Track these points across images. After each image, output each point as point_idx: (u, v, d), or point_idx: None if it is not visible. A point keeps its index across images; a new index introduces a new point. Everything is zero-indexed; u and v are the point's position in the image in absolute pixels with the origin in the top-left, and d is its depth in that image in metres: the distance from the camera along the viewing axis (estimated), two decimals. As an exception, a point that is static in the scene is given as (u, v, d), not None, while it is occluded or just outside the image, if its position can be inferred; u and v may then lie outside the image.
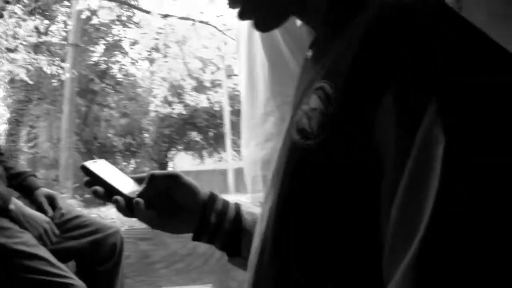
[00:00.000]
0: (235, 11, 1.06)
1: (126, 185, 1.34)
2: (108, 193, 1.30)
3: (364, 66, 0.79)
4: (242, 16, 1.06)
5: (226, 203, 1.40)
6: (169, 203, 1.38)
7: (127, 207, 1.29)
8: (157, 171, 1.39)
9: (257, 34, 2.28)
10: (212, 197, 1.39)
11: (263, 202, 1.05)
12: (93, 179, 1.31)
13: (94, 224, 2.98)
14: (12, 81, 18.89)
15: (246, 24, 2.33)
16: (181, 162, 36.23)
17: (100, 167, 1.35)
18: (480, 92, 0.69)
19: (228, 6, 1.06)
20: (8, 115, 20.36)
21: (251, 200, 2.33)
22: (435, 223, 0.64)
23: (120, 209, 1.29)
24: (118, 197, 1.29)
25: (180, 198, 1.38)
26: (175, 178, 1.37)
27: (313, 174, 0.83)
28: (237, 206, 1.41)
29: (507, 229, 0.62)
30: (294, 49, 2.18)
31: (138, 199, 1.30)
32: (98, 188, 1.30)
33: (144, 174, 1.40)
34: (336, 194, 0.81)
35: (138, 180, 1.39)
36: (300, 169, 0.86)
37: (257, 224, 1.07)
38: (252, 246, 1.07)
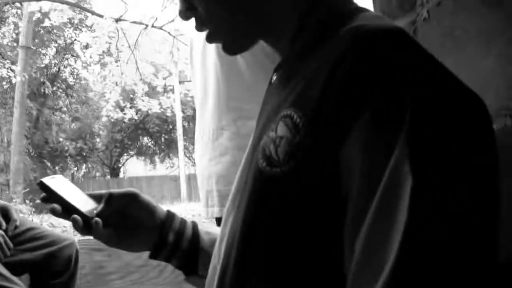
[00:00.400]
0: (203, 33, 1.05)
1: (84, 203, 1.32)
2: (65, 211, 1.28)
3: (332, 98, 0.78)
4: (210, 38, 1.05)
5: (183, 222, 1.37)
6: (127, 221, 1.34)
7: (85, 225, 1.26)
8: (115, 190, 1.38)
9: (212, 46, 2.27)
10: (170, 216, 1.37)
11: (222, 222, 1.06)
12: (50, 196, 1.29)
13: (49, 236, 2.93)
14: (-39, 83, 18.62)
15: (200, 34, 2.33)
16: (133, 168, 35.99)
17: (58, 184, 1.33)
18: (445, 128, 0.71)
19: (195, 28, 1.06)
20: (-43, 118, 20.05)
21: (205, 213, 2.34)
22: (402, 261, 0.65)
23: (77, 228, 1.26)
24: (76, 216, 1.25)
25: (138, 217, 1.34)
26: (133, 197, 1.35)
27: (278, 201, 0.83)
28: (195, 225, 1.38)
29: (469, 269, 0.67)
30: (251, 63, 2.18)
31: (97, 219, 1.27)
32: (56, 206, 1.27)
33: (102, 192, 1.39)
34: (301, 223, 0.81)
35: (96, 198, 1.37)
36: (266, 196, 0.85)
37: (216, 244, 1.08)
38: (211, 266, 1.09)
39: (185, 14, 1.04)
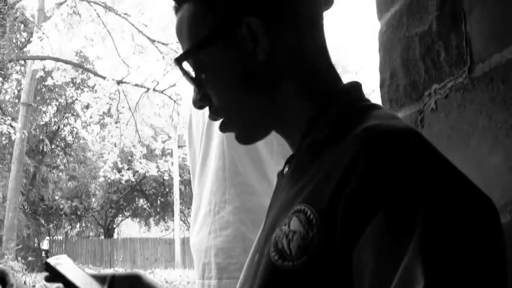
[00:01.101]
0: (218, 122, 1.07)
1: (89, 285, 1.33)
2: None
3: (346, 198, 0.78)
4: (223, 128, 1.07)
5: None
6: None
7: None
8: (119, 272, 1.39)
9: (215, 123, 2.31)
10: None
11: None
12: (55, 276, 1.30)
13: None
14: (-42, 138, 18.64)
15: (201, 113, 2.34)
16: (128, 229, 35.85)
17: (63, 265, 1.34)
18: (456, 231, 0.71)
19: (209, 118, 1.08)
20: (-46, 171, 20.02)
21: (200, 286, 2.31)
22: None
23: None
24: None
25: None
26: (136, 279, 1.36)
27: None
28: None
29: None
30: (258, 142, 2.23)
31: None
32: (60, 287, 1.29)
33: (105, 274, 1.39)
34: None
35: (99, 279, 1.38)
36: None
37: None
38: None
39: (198, 103, 1.06)
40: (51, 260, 1.32)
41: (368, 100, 1.02)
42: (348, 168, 0.80)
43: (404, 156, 0.78)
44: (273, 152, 2.19)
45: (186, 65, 1.03)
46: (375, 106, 0.98)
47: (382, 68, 1.59)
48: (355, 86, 1.03)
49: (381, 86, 1.61)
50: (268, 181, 2.17)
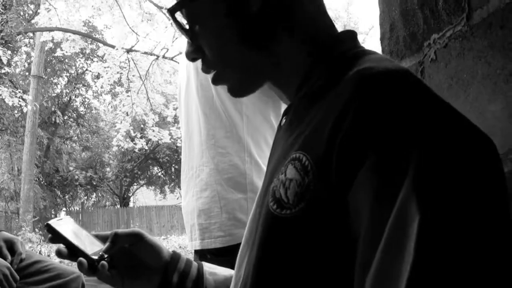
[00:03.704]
0: (209, 76, 1.07)
1: (90, 245, 1.34)
2: (71, 253, 1.31)
3: (339, 142, 0.79)
4: (216, 81, 1.07)
5: (189, 263, 1.38)
6: (132, 261, 1.36)
7: (90, 267, 1.28)
8: (121, 230, 1.38)
9: (193, 89, 2.33)
10: (175, 257, 1.38)
11: (237, 265, 1.06)
12: (57, 237, 1.32)
13: (56, 269, 2.91)
14: (-27, 111, 18.72)
15: (184, 75, 2.42)
16: (143, 197, 35.96)
17: (65, 226, 1.36)
18: (452, 166, 0.71)
19: (202, 70, 1.08)
20: (-33, 146, 20.13)
21: (189, 247, 2.37)
22: None
23: (83, 270, 1.28)
24: (82, 259, 1.27)
25: (143, 257, 1.36)
26: (138, 237, 1.35)
27: (289, 243, 0.84)
28: (200, 266, 1.39)
29: None
30: (227, 103, 2.24)
31: (103, 262, 1.29)
32: (62, 248, 1.30)
33: (108, 233, 1.39)
34: (312, 264, 0.82)
35: (101, 238, 1.39)
36: (277, 238, 0.86)
37: (232, 286, 1.07)
38: None
39: (191, 55, 1.06)
40: (53, 222, 1.34)
41: (362, 47, 1.01)
42: (341, 113, 0.81)
43: (396, 97, 0.78)
44: (243, 112, 2.22)
45: (180, 17, 1.02)
46: (368, 52, 0.98)
47: (382, 20, 1.59)
48: (350, 35, 1.03)
49: (382, 39, 1.60)
50: (239, 142, 2.22)
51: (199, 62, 1.07)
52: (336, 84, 0.89)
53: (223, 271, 1.39)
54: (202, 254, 2.23)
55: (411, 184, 0.70)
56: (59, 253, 1.29)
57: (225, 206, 2.17)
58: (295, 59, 1.00)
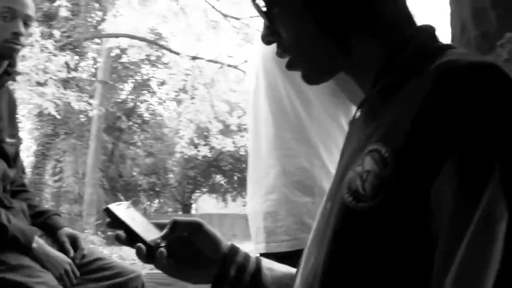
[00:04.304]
0: (281, 64, 1.07)
1: (148, 232, 1.32)
2: (129, 238, 1.29)
3: (422, 135, 0.78)
4: (290, 66, 1.06)
5: (247, 256, 1.35)
6: (190, 251, 1.34)
7: (148, 254, 1.26)
8: (180, 217, 1.36)
9: (262, 89, 2.32)
10: (233, 249, 1.34)
11: (303, 262, 1.05)
12: (116, 222, 1.30)
13: (116, 267, 2.88)
14: (40, 114, 19.10)
15: (253, 75, 2.40)
16: (205, 204, 36.17)
17: (124, 211, 1.34)
18: None
19: (277, 54, 1.06)
20: (34, 148, 20.56)
21: (254, 250, 2.31)
22: None
23: (140, 256, 1.26)
24: (140, 245, 1.25)
25: (201, 247, 1.33)
26: (197, 226, 1.33)
27: (365, 237, 0.83)
28: (258, 261, 1.35)
29: None
30: (297, 104, 2.21)
31: (162, 249, 1.27)
32: (121, 233, 1.29)
33: (167, 221, 1.36)
34: (388, 259, 0.80)
35: (160, 226, 1.36)
36: (352, 231, 0.85)
37: (297, 283, 1.05)
38: None
39: (267, 39, 1.06)
40: (112, 206, 1.32)
41: (442, 42, 0.98)
42: (424, 106, 0.80)
43: (481, 89, 0.77)
44: (313, 114, 2.20)
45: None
46: (449, 46, 0.95)
47: (453, 21, 1.55)
48: (429, 29, 1.00)
49: (452, 40, 1.58)
50: (307, 144, 2.19)
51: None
52: (416, 77, 0.87)
53: (281, 267, 1.36)
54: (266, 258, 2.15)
55: (498, 180, 0.69)
56: (117, 238, 1.28)
57: (292, 210, 2.15)
58: (371, 50, 0.98)
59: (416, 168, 0.78)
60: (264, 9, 1.03)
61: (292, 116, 2.22)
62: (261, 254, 2.19)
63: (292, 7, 0.99)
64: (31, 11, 2.57)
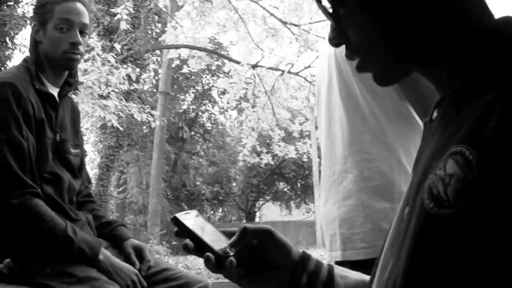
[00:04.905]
0: (353, 63, 1.02)
1: (217, 240, 1.30)
2: (197, 247, 1.27)
3: (508, 137, 0.74)
4: (360, 68, 1.02)
5: (319, 264, 1.30)
6: (259, 259, 1.30)
7: (217, 264, 1.25)
8: (250, 225, 1.32)
9: (335, 89, 2.27)
10: (305, 257, 1.30)
11: (379, 269, 1.00)
12: (183, 231, 1.29)
13: (183, 278, 2.85)
14: (103, 127, 19.40)
15: (325, 78, 2.35)
16: (269, 212, 36.23)
17: (191, 220, 1.32)
18: None
19: (346, 57, 1.03)
20: (98, 160, 20.86)
21: (328, 258, 2.29)
22: None
23: (209, 266, 1.24)
24: (209, 255, 1.23)
25: (271, 254, 1.29)
26: (267, 234, 1.29)
27: (448, 244, 0.78)
28: (330, 268, 1.31)
29: None
30: (373, 105, 2.16)
31: (232, 258, 1.24)
32: (189, 242, 1.26)
33: (235, 229, 1.33)
34: (471, 267, 0.76)
35: (228, 234, 1.33)
36: (434, 239, 0.80)
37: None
38: None
39: (335, 40, 1.02)
40: (179, 215, 1.31)
41: None
42: (507, 109, 0.75)
43: None
44: (388, 115, 2.14)
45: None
46: None
47: None
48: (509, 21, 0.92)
49: None
50: (386, 147, 2.13)
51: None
52: (499, 75, 0.82)
53: (354, 275, 1.31)
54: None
55: None
56: (185, 247, 1.25)
57: (369, 216, 2.09)
58: (446, 49, 0.93)
59: (505, 172, 0.73)
60: (330, 10, 1.00)
61: (369, 119, 2.17)
62: (336, 262, 2.19)
63: (356, 7, 0.96)
64: (86, 19, 2.59)
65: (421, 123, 2.07)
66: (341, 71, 2.20)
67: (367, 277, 1.22)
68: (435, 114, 0.98)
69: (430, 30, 0.93)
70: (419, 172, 0.93)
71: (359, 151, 2.17)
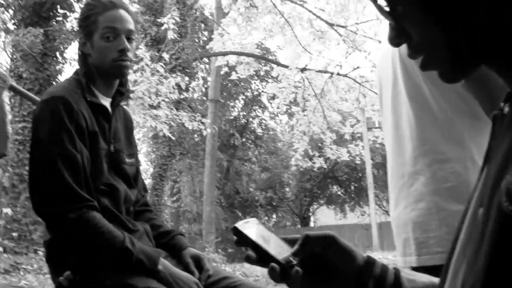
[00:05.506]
0: (417, 61, 0.98)
1: (279, 249, 1.28)
2: (259, 257, 1.25)
3: None
4: (424, 67, 0.97)
5: (385, 268, 1.27)
6: (323, 266, 1.28)
7: (281, 273, 1.22)
8: (312, 232, 1.29)
9: (402, 88, 2.23)
10: (370, 262, 1.27)
11: (451, 274, 0.95)
12: (244, 241, 1.27)
13: (243, 286, 2.81)
14: (155, 137, 19.58)
15: (389, 77, 2.30)
16: (323, 216, 36.13)
17: (252, 229, 1.30)
18: None
19: (408, 56, 0.99)
20: (151, 170, 21.05)
21: (402, 263, 2.25)
22: None
23: (274, 276, 1.22)
24: (274, 265, 1.21)
25: (335, 262, 1.27)
26: (331, 240, 1.25)
27: None
28: (397, 272, 1.27)
29: None
30: (443, 104, 2.11)
31: (297, 268, 1.22)
32: (251, 253, 1.24)
33: (296, 236, 1.31)
34: None
35: (291, 242, 1.30)
36: None
37: None
38: None
39: (395, 40, 0.98)
40: (239, 224, 1.29)
41: None
42: None
43: None
44: (460, 112, 2.08)
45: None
46: None
47: None
48: None
49: None
50: (459, 146, 2.07)
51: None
52: None
53: (421, 277, 1.27)
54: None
55: None
56: (248, 258, 1.23)
57: (444, 219, 2.04)
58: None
59: None
60: (387, 9, 0.95)
61: (440, 118, 2.11)
62: (411, 268, 2.16)
63: (415, 4, 0.90)
64: (131, 25, 2.59)
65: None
66: (407, 70, 2.15)
67: (435, 280, 1.20)
68: (506, 108, 0.93)
69: (493, 24, 0.87)
70: (493, 171, 0.88)
71: (430, 151, 2.13)
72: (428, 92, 2.12)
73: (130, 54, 2.57)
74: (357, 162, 28.01)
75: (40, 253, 13.03)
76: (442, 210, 2.05)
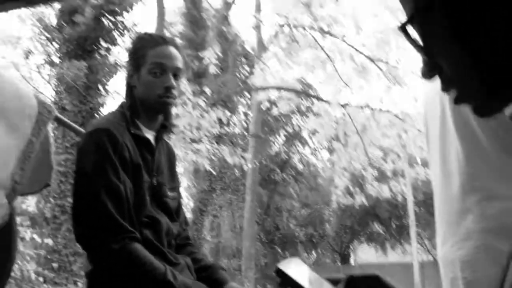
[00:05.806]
0: (449, 95, 0.96)
1: None
2: None
3: None
4: (457, 101, 0.95)
5: None
6: None
7: None
8: (357, 273, 1.31)
9: (450, 124, 2.18)
10: None
11: None
12: (288, 282, 1.29)
13: None
14: (196, 171, 19.65)
15: (436, 112, 2.27)
16: (364, 254, 35.75)
17: (295, 269, 1.31)
18: None
19: (442, 89, 0.97)
20: (192, 204, 21.09)
21: None
22: None
23: None
24: None
25: None
26: (375, 280, 1.33)
27: None
28: None
29: None
30: (492, 140, 2.05)
31: None
32: None
33: (340, 275, 1.32)
34: None
35: (334, 282, 1.33)
36: None
37: None
38: None
39: (428, 74, 0.95)
40: (282, 265, 1.31)
41: None
42: None
43: None
44: (508, 148, 2.00)
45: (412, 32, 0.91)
46: None
47: None
48: None
49: None
50: (510, 181, 1.99)
51: None
52: None
53: None
54: None
55: None
56: None
57: (494, 258, 1.94)
58: None
59: None
60: (420, 43, 0.92)
61: (490, 154, 2.04)
62: None
63: (447, 38, 0.88)
64: (180, 63, 2.61)
65: None
66: (457, 110, 2.11)
67: None
68: None
69: None
70: None
71: (480, 188, 2.06)
72: (477, 128, 2.06)
73: (175, 92, 2.58)
74: (399, 199, 27.75)
75: (80, 284, 13.10)
76: (491, 249, 1.97)
